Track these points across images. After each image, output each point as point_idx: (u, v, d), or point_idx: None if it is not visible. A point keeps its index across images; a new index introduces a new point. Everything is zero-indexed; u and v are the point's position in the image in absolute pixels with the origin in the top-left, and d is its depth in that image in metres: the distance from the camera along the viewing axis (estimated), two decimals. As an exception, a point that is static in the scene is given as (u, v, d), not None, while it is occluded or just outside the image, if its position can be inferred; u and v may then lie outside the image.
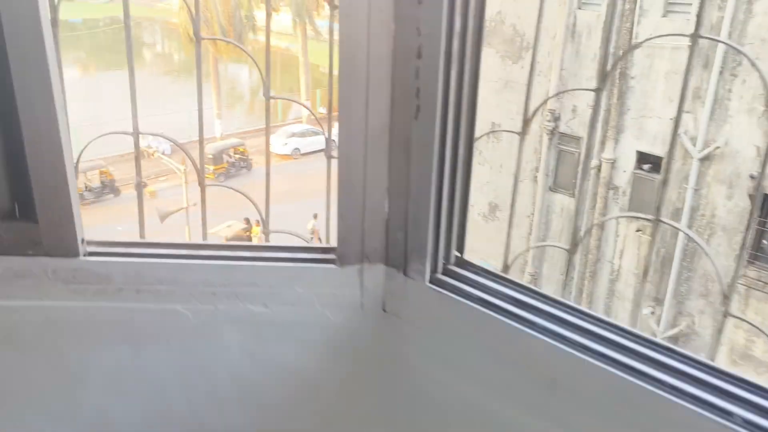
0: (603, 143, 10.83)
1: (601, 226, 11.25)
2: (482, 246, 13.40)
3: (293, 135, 31.48)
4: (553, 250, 12.29)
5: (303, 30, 34.21)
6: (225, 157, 28.53)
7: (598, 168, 10.97)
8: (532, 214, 12.32)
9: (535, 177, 12.15)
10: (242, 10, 31.24)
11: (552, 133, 11.44)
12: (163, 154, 30.21)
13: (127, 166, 29.25)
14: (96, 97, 42.84)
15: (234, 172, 28.91)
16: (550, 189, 11.92)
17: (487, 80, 12.63)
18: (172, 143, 29.11)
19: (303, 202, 25.52)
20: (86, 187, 25.65)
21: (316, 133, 32.38)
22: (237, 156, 29.22)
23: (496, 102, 12.51)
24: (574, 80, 11.06)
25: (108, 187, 26.35)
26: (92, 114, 37.09)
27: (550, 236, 12.25)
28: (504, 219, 12.88)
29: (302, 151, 31.42)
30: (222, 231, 18.22)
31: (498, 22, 12.13)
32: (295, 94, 42.87)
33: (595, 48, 10.64)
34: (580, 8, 10.82)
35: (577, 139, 11.26)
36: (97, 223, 24.04)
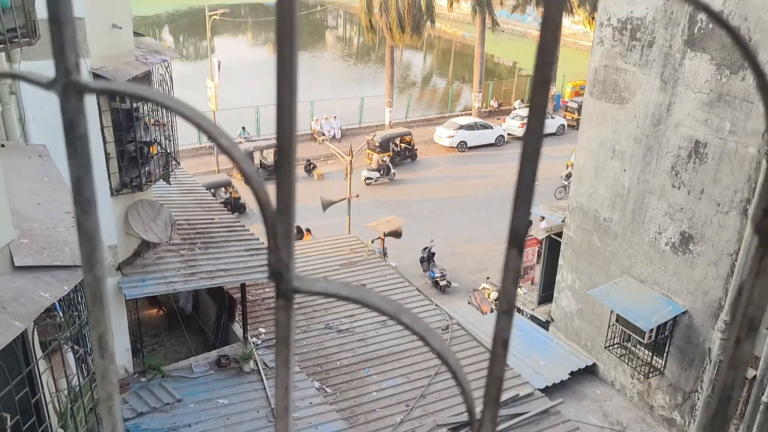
0: None
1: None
2: (666, 279, 11.71)
3: (461, 127, 30.66)
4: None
5: (482, 20, 33.08)
6: (391, 146, 28.46)
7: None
8: (736, 252, 10.46)
9: (745, 209, 10.27)
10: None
11: (774, 160, 9.52)
12: (334, 137, 30.95)
13: (300, 147, 30.30)
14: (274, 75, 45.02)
15: (399, 161, 28.79)
16: (764, 226, 9.99)
17: (695, 90, 10.88)
18: (342, 128, 29.66)
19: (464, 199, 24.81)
20: (261, 165, 26.88)
21: (485, 127, 31.34)
22: (403, 145, 29.05)
23: (704, 117, 10.74)
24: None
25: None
26: (273, 92, 38.98)
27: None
28: (698, 253, 11.11)
29: (469, 145, 30.58)
30: (380, 225, 18.00)
31: (717, 23, 10.31)
32: (467, 84, 41.96)
33: None
34: (833, 11, 8.79)
35: (809, 170, 9.24)
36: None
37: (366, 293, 0.55)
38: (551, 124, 32.16)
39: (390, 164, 27.10)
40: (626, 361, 12.53)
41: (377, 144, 27.90)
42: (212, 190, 26.59)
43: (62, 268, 4.93)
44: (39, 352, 5.03)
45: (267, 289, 13.50)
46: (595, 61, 12.67)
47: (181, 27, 61.60)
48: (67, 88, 0.51)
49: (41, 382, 5.15)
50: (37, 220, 5.34)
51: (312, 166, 27.68)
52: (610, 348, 12.69)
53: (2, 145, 6.82)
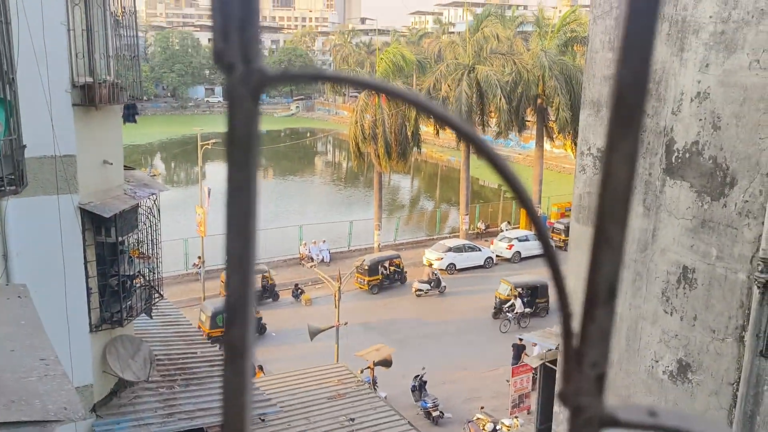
0: (838, 306, 8.69)
1: (837, 411, 8.84)
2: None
3: (449, 250, 30.82)
4: (766, 429, 9.90)
5: (466, 145, 34.31)
6: (381, 269, 28.40)
7: (832, 336, 8.77)
8: (737, 381, 10.12)
9: (741, 336, 10.06)
10: (408, 126, 32.08)
11: (765, 286, 9.47)
12: (323, 261, 30.93)
13: (287, 272, 30.19)
14: (268, 200, 45.95)
15: (388, 285, 28.61)
16: (762, 354, 9.75)
17: (678, 217, 11.02)
18: (330, 252, 29.63)
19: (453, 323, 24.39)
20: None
21: (473, 249, 31.53)
22: (392, 268, 28.99)
23: (689, 242, 10.80)
24: (796, 226, 9.17)
25: (269, 291, 27.09)
26: (264, 217, 39.51)
27: (761, 411, 9.92)
28: (698, 382, 10.75)
29: (458, 267, 30.56)
30: (370, 354, 17.50)
31: (694, 153, 10.68)
32: (455, 207, 42.80)
33: (825, 190, 8.79)
34: (803, 143, 9.12)
35: (801, 297, 9.17)
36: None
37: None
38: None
39: (440, 277, 28.23)
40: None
41: (366, 268, 27.83)
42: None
43: (31, 424, 4.59)
44: None
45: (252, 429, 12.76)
46: (578, 188, 12.93)
47: (174, 155, 63.39)
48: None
49: None
50: (9, 369, 5.05)
51: (300, 290, 27.41)
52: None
53: (-22, 287, 6.61)
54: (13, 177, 4.66)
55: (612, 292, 0.49)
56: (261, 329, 23.78)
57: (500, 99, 32.57)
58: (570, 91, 32.65)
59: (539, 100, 34.67)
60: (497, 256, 31.85)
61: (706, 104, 10.60)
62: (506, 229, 35.10)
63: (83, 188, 9.67)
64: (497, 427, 16.48)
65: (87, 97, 9.64)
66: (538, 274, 26.79)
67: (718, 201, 10.37)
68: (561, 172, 48.97)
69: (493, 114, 35.53)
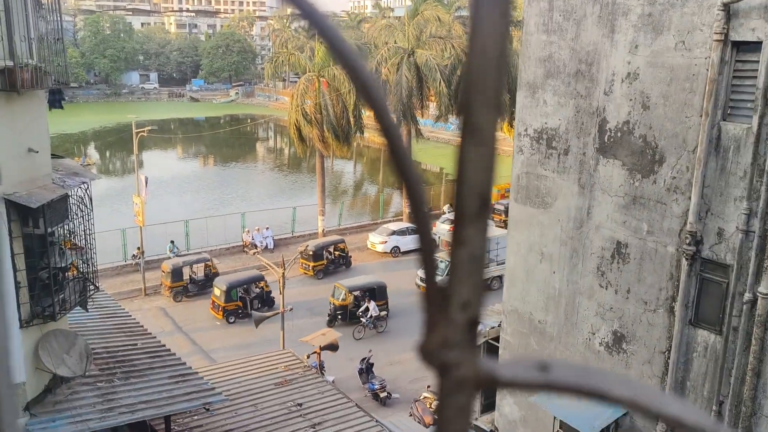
0: (758, 274, 9.18)
1: (757, 374, 9.37)
2: (604, 380, 11.68)
3: (393, 233, 30.98)
4: (696, 393, 10.41)
5: (407, 129, 34.45)
6: (325, 254, 28.30)
7: (752, 303, 9.27)
8: (668, 350, 10.60)
9: (671, 307, 10.52)
10: (350, 111, 31.93)
11: (692, 258, 9.91)
12: (266, 248, 30.56)
13: (231, 260, 29.71)
14: (209, 188, 45.01)
15: (333, 269, 28.56)
16: (691, 323, 10.23)
17: (611, 194, 11.38)
18: (275, 238, 29.33)
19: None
20: (191, 279, 26.06)
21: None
22: (337, 253, 28.94)
23: (622, 219, 11.19)
24: (719, 200, 9.62)
25: (211, 280, 26.60)
26: (205, 205, 38.66)
27: (691, 377, 10.42)
28: (632, 352, 11.20)
29: (402, 249, 30.79)
30: (316, 339, 17.45)
31: (625, 132, 11.03)
32: (398, 191, 42.97)
33: (745, 164, 9.23)
34: (725, 119, 9.54)
35: (725, 267, 9.64)
36: (191, 318, 24.09)
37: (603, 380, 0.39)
38: None
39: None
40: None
41: (310, 253, 27.69)
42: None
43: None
44: None
45: (196, 418, 12.57)
46: (517, 169, 13.17)
47: (108, 143, 61.20)
48: None
49: None
50: None
51: (244, 279, 27.01)
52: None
53: None
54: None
55: (484, 204, 0.38)
56: (271, 302, 24.58)
57: (440, 83, 32.78)
58: (507, 75, 33.11)
59: (478, 84, 35.05)
60: (440, 237, 32.21)
61: (635, 85, 10.94)
62: (448, 212, 35.51)
63: (7, 178, 9.21)
64: (443, 406, 16.76)
65: (8, 82, 9.16)
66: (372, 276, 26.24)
67: (648, 178, 10.76)
68: (501, 154, 49.79)
69: (433, 98, 35.75)
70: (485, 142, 0.37)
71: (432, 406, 17.04)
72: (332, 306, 23.43)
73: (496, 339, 14.06)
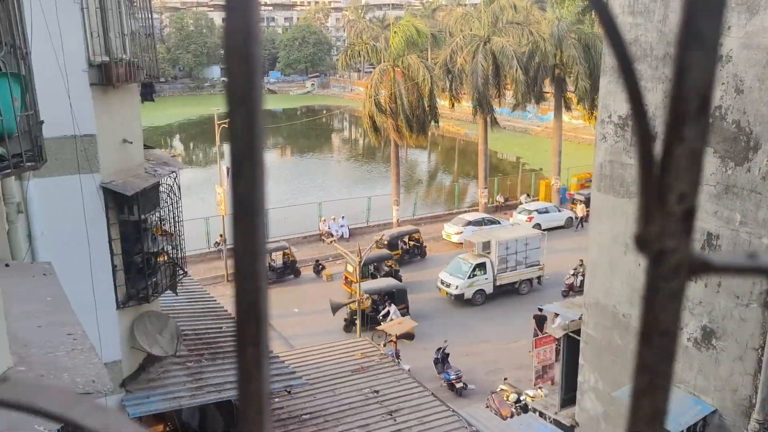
0: None
1: None
2: (691, 377, 11.20)
3: (469, 223, 30.74)
4: (793, 395, 9.83)
5: (483, 118, 34.02)
6: (400, 244, 28.43)
7: None
8: (761, 347, 10.03)
9: (766, 302, 9.94)
10: (425, 100, 31.82)
11: (792, 250, 9.31)
12: (342, 237, 31.05)
13: (308, 248, 30.37)
14: (287, 178, 46.12)
15: (408, 259, 28.64)
16: (790, 319, 9.64)
17: (702, 183, 10.83)
18: (350, 228, 29.79)
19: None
20: (270, 267, 26.83)
21: (492, 222, 31.41)
22: (412, 243, 29.01)
23: (713, 209, 10.64)
24: (825, 188, 8.99)
25: (290, 268, 27.28)
26: (283, 195, 39.67)
27: (788, 377, 9.83)
28: (722, 348, 10.67)
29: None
30: (392, 328, 17.60)
31: (717, 118, 10.47)
32: (473, 180, 42.59)
33: None
34: (832, 102, 8.88)
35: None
36: (275, 305, 24.80)
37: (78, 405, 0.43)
38: (558, 217, 32.28)
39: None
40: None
41: (386, 242, 27.88)
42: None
43: (63, 396, 4.69)
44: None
45: (277, 400, 12.98)
46: (599, 157, 12.77)
47: (192, 135, 63.68)
48: None
49: None
50: (37, 345, 5.16)
51: (321, 266, 27.57)
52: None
53: (6, 265, 6.74)
54: (31, 153, 4.69)
55: (705, 104, 0.39)
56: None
57: (516, 70, 32.13)
58: (589, 59, 32.08)
59: (557, 71, 34.14)
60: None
61: (728, 68, 10.35)
62: (526, 202, 34.88)
63: (104, 167, 9.75)
64: (521, 398, 16.56)
65: (104, 76, 9.68)
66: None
67: (741, 166, 10.18)
68: (580, 143, 48.35)
69: (509, 86, 35.11)
70: (707, 45, 0.38)
71: (508, 398, 16.86)
72: (349, 310, 22.19)
73: (577, 332, 13.73)
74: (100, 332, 8.53)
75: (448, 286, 24.24)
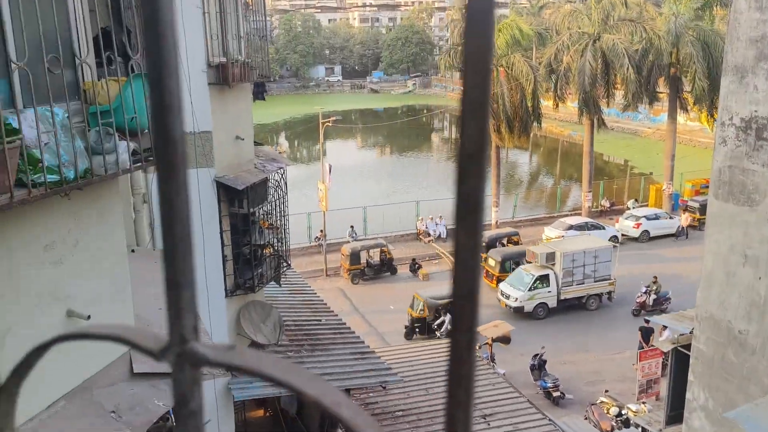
0: None
1: None
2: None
3: (571, 228, 29.77)
4: None
5: (589, 119, 32.82)
6: (498, 246, 28.01)
7: None
8: None
9: None
10: (527, 100, 31.13)
11: None
12: (439, 237, 31.02)
13: (404, 247, 30.58)
14: (386, 176, 46.67)
15: (505, 262, 28.16)
16: None
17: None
18: (447, 228, 29.82)
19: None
20: (367, 263, 27.24)
21: (596, 227, 30.25)
22: (511, 245, 28.49)
23: None
24: None
25: (386, 265, 27.57)
26: (382, 192, 40.17)
27: None
28: None
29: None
30: (488, 330, 17.38)
31: None
32: (576, 183, 41.20)
33: None
34: None
35: None
36: (367, 301, 25.18)
37: (296, 374, 0.45)
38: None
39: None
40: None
41: (484, 244, 27.55)
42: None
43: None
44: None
45: (371, 395, 13.18)
46: (718, 162, 11.98)
47: (297, 133, 65.80)
48: (181, 358, 0.40)
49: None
50: (158, 325, 5.52)
51: (417, 265, 27.67)
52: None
53: (132, 251, 7.26)
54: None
55: None
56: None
57: (628, 69, 30.73)
58: (708, 58, 30.17)
59: (672, 69, 32.35)
60: (623, 235, 30.39)
61: None
62: (633, 207, 33.33)
63: (218, 162, 10.27)
64: (623, 412, 15.85)
65: (221, 76, 10.19)
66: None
67: None
68: (696, 146, 45.61)
69: (619, 86, 33.65)
70: None
71: (609, 411, 16.20)
72: (410, 317, 21.95)
73: (687, 347, 12.95)
74: (211, 318, 9.00)
75: (508, 297, 23.14)
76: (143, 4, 0.42)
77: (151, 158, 4.80)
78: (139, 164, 4.60)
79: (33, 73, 3.83)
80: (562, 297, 23.12)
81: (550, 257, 23.14)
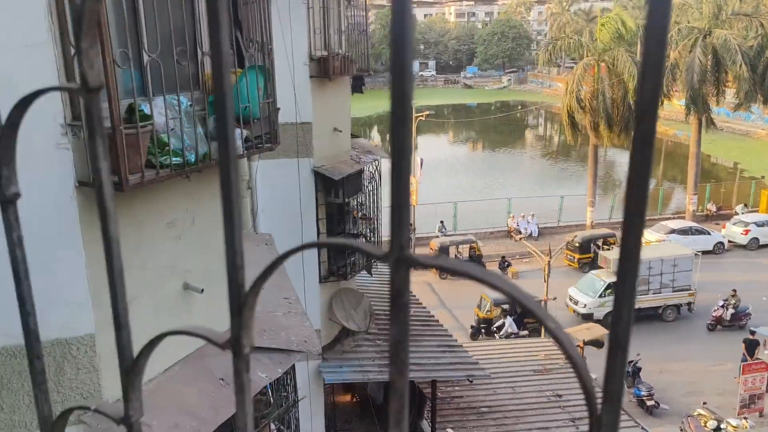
0: None
1: None
2: None
3: (673, 231, 28.38)
4: None
5: (697, 118, 31.10)
6: (593, 247, 27.17)
7: None
8: None
9: None
10: (630, 98, 29.90)
11: None
12: (530, 236, 30.46)
13: (494, 243, 30.27)
14: (478, 172, 46.25)
15: (600, 265, 27.29)
16: None
17: None
18: (539, 227, 29.23)
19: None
20: (456, 258, 27.23)
21: (700, 232, 28.69)
22: (606, 248, 27.55)
23: None
24: None
25: (475, 262, 27.42)
26: (473, 188, 39.88)
27: None
28: None
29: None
30: (579, 333, 16.95)
31: None
32: (679, 186, 39.18)
33: None
34: None
35: None
36: (454, 296, 25.14)
37: (494, 277, 0.52)
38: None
39: None
40: None
41: (577, 245, 26.84)
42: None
43: (278, 351, 5.29)
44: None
45: (457, 389, 13.22)
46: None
47: (389, 127, 66.36)
48: (399, 261, 0.52)
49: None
50: (259, 305, 5.84)
51: (507, 263, 27.34)
52: None
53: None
54: (269, 135, 5.33)
55: None
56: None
57: (741, 66, 28.86)
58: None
59: (792, 65, 30.09)
60: (729, 241, 28.65)
61: None
62: (742, 212, 31.33)
63: (316, 153, 10.63)
64: (721, 426, 15.04)
65: (322, 69, 10.52)
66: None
67: None
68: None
69: (730, 84, 31.67)
70: None
71: (707, 424, 15.41)
72: (477, 318, 21.69)
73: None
74: (306, 301, 9.37)
75: (576, 303, 22.19)
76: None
77: (260, 146, 5.10)
78: (251, 150, 4.91)
79: (163, 64, 4.18)
80: (636, 306, 21.94)
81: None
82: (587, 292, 22.42)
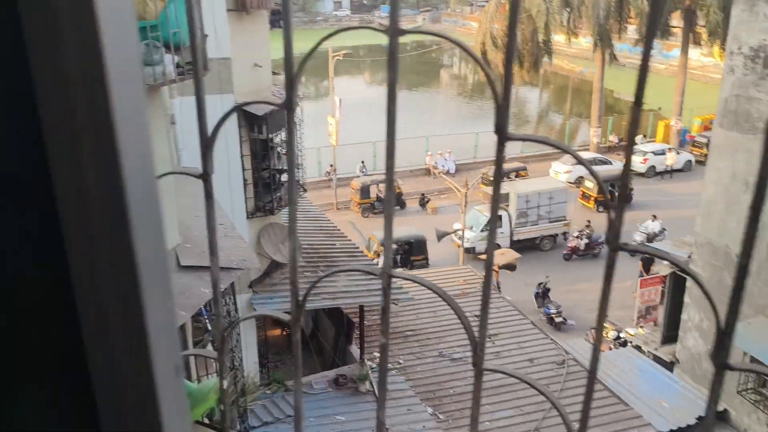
0: None
1: None
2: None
3: (577, 163, 30.00)
4: None
5: (601, 54, 32.53)
6: (505, 180, 28.39)
7: None
8: None
9: None
10: (540, 35, 30.84)
11: None
12: (448, 172, 31.37)
13: (413, 181, 31.02)
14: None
15: (512, 197, 28.62)
16: None
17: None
18: (456, 163, 30.04)
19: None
20: (377, 198, 27.77)
21: (604, 162, 30.50)
22: (518, 180, 28.89)
23: None
24: None
25: (396, 199, 28.07)
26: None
27: None
28: None
29: (587, 181, 29.87)
30: (495, 258, 18.00)
31: None
32: (585, 120, 41.13)
33: None
34: None
35: None
36: (381, 233, 25.79)
37: None
38: (677, 160, 30.90)
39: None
40: (761, 407, 11.68)
41: (491, 178, 27.95)
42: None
43: (220, 270, 5.59)
44: (192, 347, 5.66)
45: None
46: (725, 91, 12.24)
47: (306, 68, 65.03)
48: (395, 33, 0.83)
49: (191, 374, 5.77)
50: (197, 229, 6.06)
51: (426, 200, 28.18)
52: (744, 393, 11.89)
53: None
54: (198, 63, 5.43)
55: None
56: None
57: (643, 1, 30.26)
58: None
59: (687, 2, 31.82)
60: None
61: None
62: (641, 143, 33.45)
63: (237, 89, 10.62)
64: (620, 335, 16.63)
65: (239, 2, 10.42)
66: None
67: None
68: (707, 83, 45.12)
69: (633, 19, 33.16)
70: None
71: (608, 335, 16.98)
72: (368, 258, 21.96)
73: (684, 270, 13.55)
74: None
75: (461, 237, 22.77)
76: None
77: (191, 71, 5.21)
78: (182, 76, 5.02)
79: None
80: (515, 238, 22.95)
81: (504, 198, 22.95)
82: (471, 226, 22.84)
